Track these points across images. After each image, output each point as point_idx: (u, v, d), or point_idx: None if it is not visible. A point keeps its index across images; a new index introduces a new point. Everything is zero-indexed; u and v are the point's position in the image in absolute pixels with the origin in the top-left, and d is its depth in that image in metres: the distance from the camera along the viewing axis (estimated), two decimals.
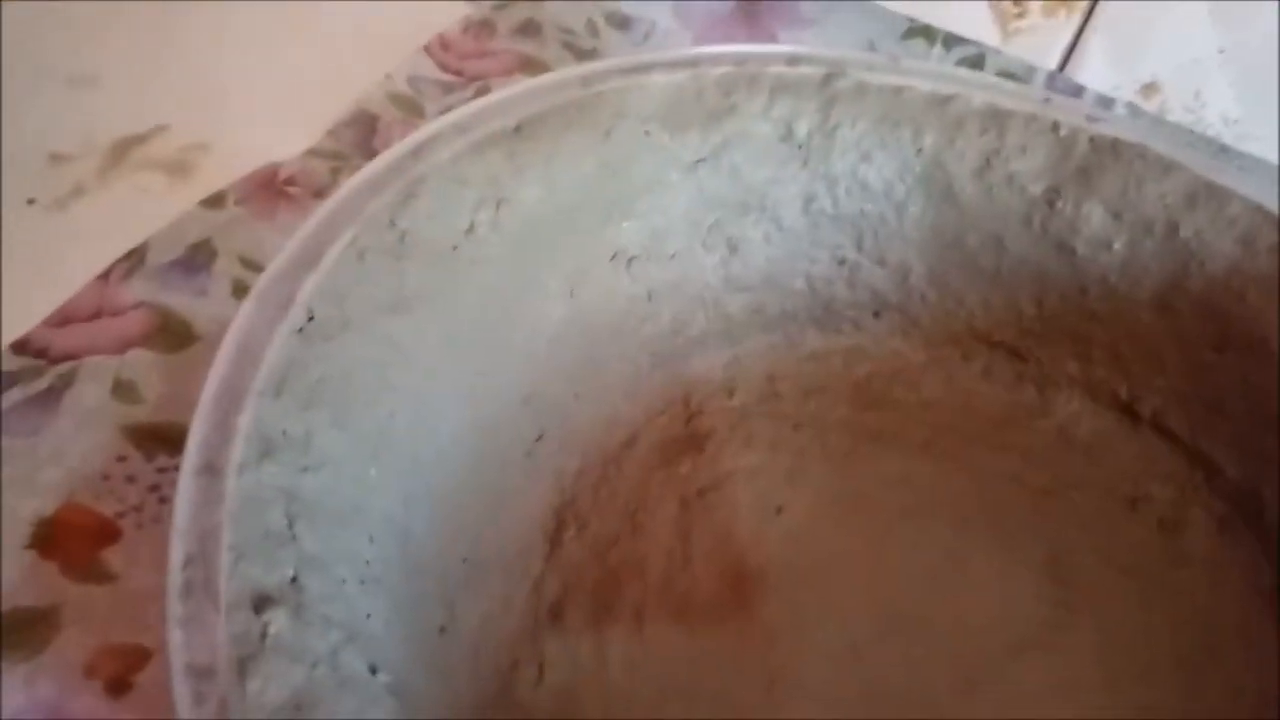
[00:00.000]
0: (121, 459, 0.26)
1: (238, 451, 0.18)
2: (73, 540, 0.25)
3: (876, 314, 0.32)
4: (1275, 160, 0.40)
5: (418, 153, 0.25)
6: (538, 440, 0.27)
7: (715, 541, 0.28)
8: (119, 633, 0.23)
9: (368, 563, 0.19)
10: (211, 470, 0.17)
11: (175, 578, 0.16)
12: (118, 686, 0.23)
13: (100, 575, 0.24)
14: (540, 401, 0.27)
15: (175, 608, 0.15)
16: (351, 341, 0.21)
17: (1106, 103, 0.42)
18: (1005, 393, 0.32)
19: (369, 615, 0.19)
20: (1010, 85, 0.30)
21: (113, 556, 0.25)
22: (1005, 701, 0.26)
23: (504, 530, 0.26)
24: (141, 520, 0.25)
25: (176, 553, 0.16)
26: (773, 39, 0.44)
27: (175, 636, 0.15)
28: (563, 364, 0.28)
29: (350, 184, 0.24)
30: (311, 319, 0.20)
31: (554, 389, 0.27)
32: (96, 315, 0.29)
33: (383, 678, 0.18)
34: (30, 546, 0.25)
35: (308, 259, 0.22)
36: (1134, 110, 0.42)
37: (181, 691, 0.15)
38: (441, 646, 0.22)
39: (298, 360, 0.20)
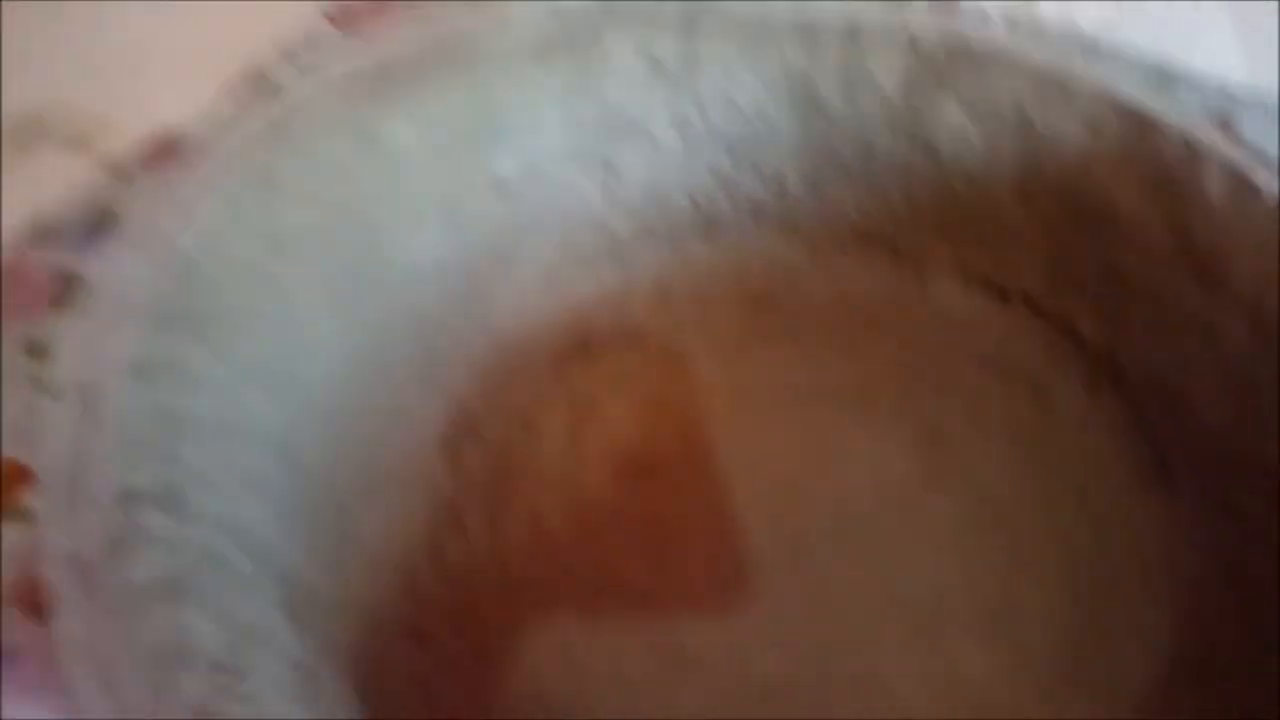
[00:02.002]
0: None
1: (110, 372, 0.19)
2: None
3: (758, 223, 0.34)
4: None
5: (290, 96, 0.27)
6: (429, 361, 0.29)
7: (606, 440, 0.29)
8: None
9: (250, 472, 0.21)
10: (84, 389, 0.19)
11: (46, 480, 0.17)
12: (40, 610, 0.24)
13: (21, 513, 0.26)
14: (428, 324, 0.29)
15: (45, 507, 0.17)
16: (227, 281, 0.23)
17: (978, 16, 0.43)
18: (883, 284, 0.34)
19: (252, 518, 0.20)
20: (869, 4, 0.31)
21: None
22: (874, 553, 0.28)
23: (400, 444, 0.27)
24: None
25: (48, 459, 0.18)
26: None
27: (46, 531, 0.17)
28: (448, 286, 0.29)
29: (223, 132, 0.26)
30: (188, 259, 0.22)
31: (441, 311, 0.29)
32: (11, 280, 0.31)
33: (267, 567, 0.20)
34: None
35: (184, 205, 0.23)
36: (1001, 21, 0.43)
37: (52, 575, 0.16)
38: (341, 548, 0.24)
39: (169, 292, 0.22)
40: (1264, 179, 0.26)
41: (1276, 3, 0.42)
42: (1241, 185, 0.27)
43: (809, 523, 0.28)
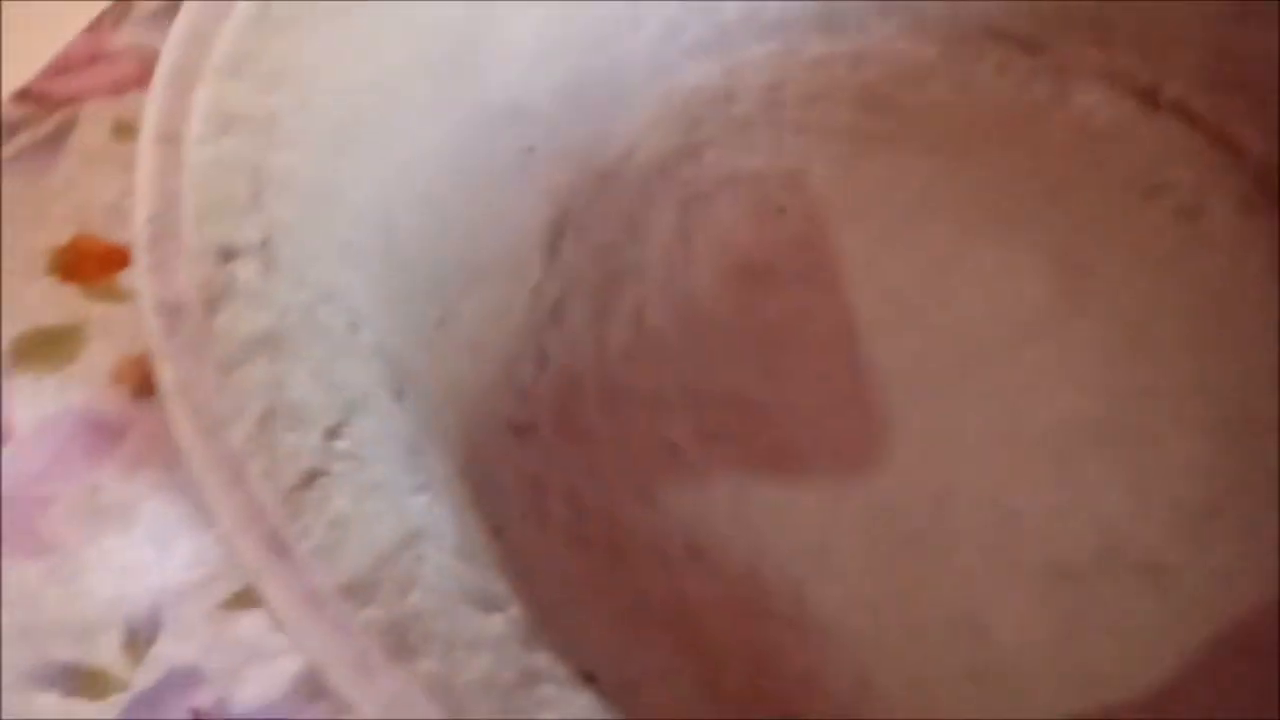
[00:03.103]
0: (127, 194, 0.27)
1: (197, 124, 0.18)
2: (89, 265, 0.26)
3: (883, 13, 0.31)
4: None
5: None
6: (529, 152, 0.27)
7: (715, 243, 0.28)
8: (141, 343, 0.24)
9: (348, 242, 0.20)
10: (170, 140, 0.18)
11: (140, 232, 0.16)
12: (143, 389, 0.24)
13: (118, 295, 0.26)
14: (526, 114, 0.27)
15: (143, 258, 0.16)
16: (311, 31, 0.21)
17: None
18: (1019, 89, 0.31)
19: (350, 287, 0.19)
20: None
21: (127, 278, 0.26)
22: (1004, 385, 0.26)
23: (500, 238, 0.26)
24: None
25: (141, 210, 0.16)
26: None
27: (144, 281, 0.16)
28: (549, 75, 0.27)
29: None
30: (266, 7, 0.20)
31: (541, 102, 0.27)
32: (93, 61, 0.29)
33: (367, 337, 0.19)
34: (50, 273, 0.26)
35: None
36: None
37: (153, 325, 0.15)
38: (441, 336, 0.23)
39: (253, 48, 0.20)
40: None
41: None
42: None
43: (936, 347, 0.26)
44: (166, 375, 0.15)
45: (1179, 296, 0.28)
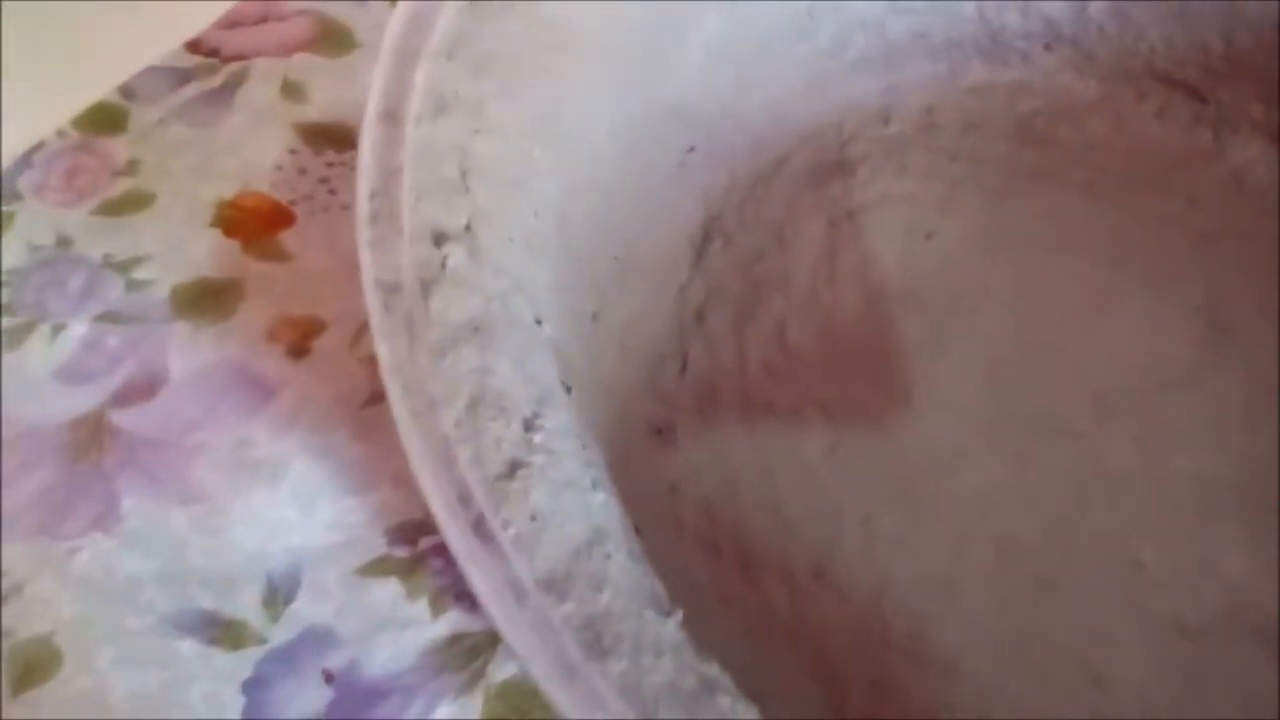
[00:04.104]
0: (293, 152, 0.27)
1: (415, 104, 0.18)
2: (252, 222, 0.26)
3: (1048, 46, 0.31)
4: None
5: None
6: (688, 153, 0.27)
7: (861, 262, 0.27)
8: (297, 305, 0.25)
9: (533, 233, 0.20)
10: (392, 118, 0.18)
11: (363, 206, 0.17)
12: (297, 350, 0.25)
13: (278, 254, 0.26)
14: (691, 115, 0.27)
15: (364, 232, 0.16)
16: (518, 19, 0.21)
17: None
18: (1178, 135, 0.30)
19: (534, 277, 0.19)
20: None
21: (288, 239, 0.26)
22: (1142, 433, 0.26)
23: (653, 236, 0.26)
24: (313, 208, 0.26)
25: (364, 185, 0.17)
26: None
27: (365, 255, 0.16)
28: (715, 80, 0.27)
29: None
30: None
31: (705, 104, 0.27)
32: (263, 20, 0.30)
33: (548, 330, 0.19)
34: (214, 225, 0.26)
35: None
36: None
37: (373, 301, 0.16)
38: (593, 331, 0.23)
39: (467, 31, 0.20)
40: None
41: None
42: None
43: (1074, 388, 0.26)
44: (383, 352, 0.15)
45: None
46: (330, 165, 0.27)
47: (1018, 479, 0.25)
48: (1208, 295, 0.28)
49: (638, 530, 0.22)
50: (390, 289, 0.16)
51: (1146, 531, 0.25)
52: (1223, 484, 0.25)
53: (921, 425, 0.26)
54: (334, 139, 0.28)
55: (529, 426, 0.16)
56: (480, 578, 0.14)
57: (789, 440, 0.25)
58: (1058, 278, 0.28)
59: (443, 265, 0.17)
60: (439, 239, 0.17)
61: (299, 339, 0.25)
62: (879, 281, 0.27)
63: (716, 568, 0.23)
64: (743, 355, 0.26)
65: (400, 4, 0.20)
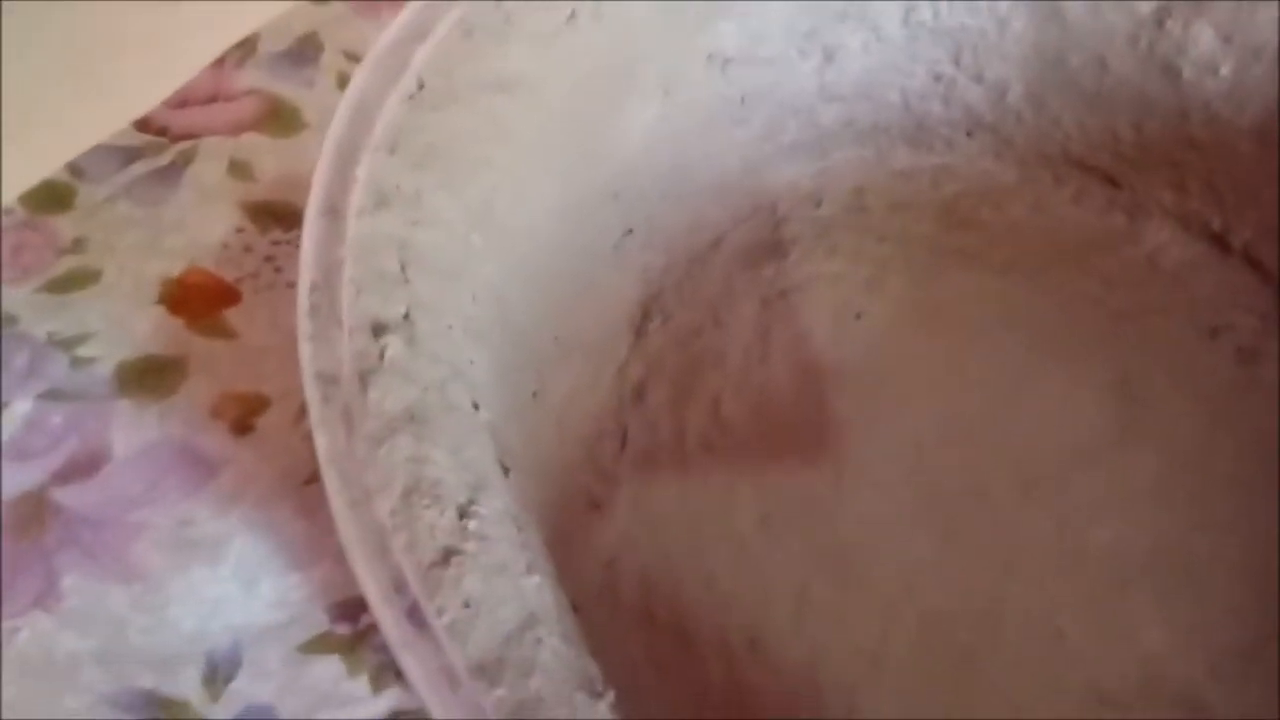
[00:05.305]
0: (240, 230, 0.28)
1: (357, 198, 0.19)
2: (197, 299, 0.27)
3: (969, 133, 0.32)
4: None
5: None
6: (626, 235, 0.28)
7: (793, 340, 0.29)
8: (241, 382, 0.25)
9: (471, 318, 0.21)
10: (334, 213, 0.19)
11: (304, 300, 0.17)
12: (241, 427, 0.25)
13: (223, 331, 0.26)
14: (629, 197, 0.28)
15: (305, 325, 0.17)
16: (458, 112, 0.22)
17: None
18: (1094, 218, 0.32)
19: (472, 361, 0.20)
20: None
21: (234, 316, 0.27)
22: (1059, 509, 0.27)
23: (592, 316, 0.27)
24: (259, 286, 0.27)
25: (305, 279, 0.17)
26: None
27: (305, 349, 0.17)
28: (653, 163, 0.28)
29: None
30: (421, 87, 0.21)
31: (643, 186, 0.28)
32: (212, 99, 0.30)
33: (485, 414, 0.19)
34: (159, 302, 0.27)
35: (418, 32, 0.23)
36: None
37: (312, 393, 0.16)
38: (533, 409, 0.24)
39: (409, 125, 0.21)
40: None
41: None
42: None
43: (997, 465, 0.27)
44: (321, 443, 0.16)
45: (1231, 438, 0.28)
46: (276, 244, 0.28)
47: (943, 553, 0.26)
48: (1123, 372, 0.29)
49: (575, 607, 0.22)
50: (329, 380, 0.17)
51: (1066, 604, 0.26)
52: (1137, 556, 0.26)
53: (851, 499, 0.26)
54: (280, 218, 0.28)
55: (463, 513, 0.17)
56: (415, 665, 0.15)
57: (723, 512, 0.26)
58: (981, 355, 0.29)
59: (381, 356, 0.17)
60: (378, 330, 0.18)
61: (242, 416, 0.25)
62: (811, 359, 0.28)
63: (653, 640, 0.24)
64: (680, 430, 0.27)
65: (346, 95, 0.21)
